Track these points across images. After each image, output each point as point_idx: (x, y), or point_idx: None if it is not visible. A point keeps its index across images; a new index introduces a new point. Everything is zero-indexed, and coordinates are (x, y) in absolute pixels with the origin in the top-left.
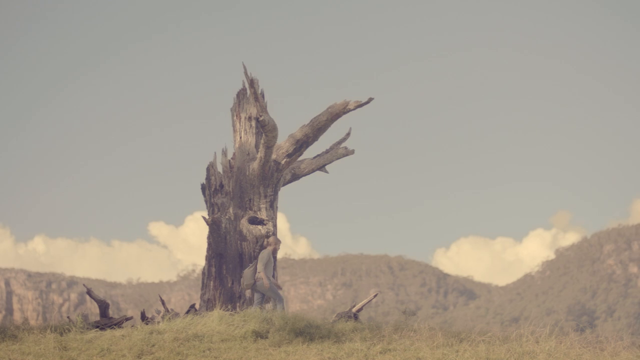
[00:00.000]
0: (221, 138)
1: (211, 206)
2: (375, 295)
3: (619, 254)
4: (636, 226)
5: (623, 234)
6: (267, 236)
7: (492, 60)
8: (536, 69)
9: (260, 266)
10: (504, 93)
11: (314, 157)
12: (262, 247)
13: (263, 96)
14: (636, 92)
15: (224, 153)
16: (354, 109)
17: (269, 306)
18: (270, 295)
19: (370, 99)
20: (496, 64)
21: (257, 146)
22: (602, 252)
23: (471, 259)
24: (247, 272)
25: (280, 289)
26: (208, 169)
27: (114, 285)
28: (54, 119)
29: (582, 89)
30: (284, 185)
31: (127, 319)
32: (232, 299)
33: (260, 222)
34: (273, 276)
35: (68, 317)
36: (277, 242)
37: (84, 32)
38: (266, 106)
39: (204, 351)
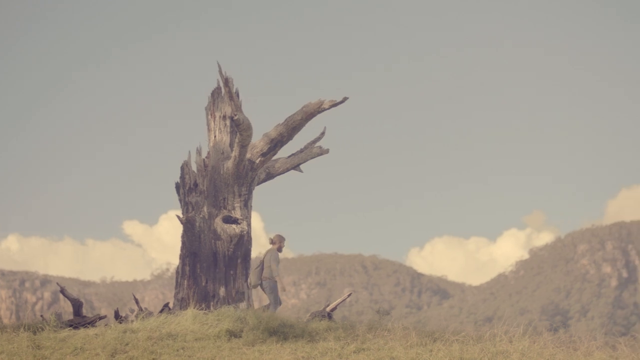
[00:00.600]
0: (196, 137)
1: (185, 205)
2: (349, 295)
3: (593, 254)
4: (610, 226)
5: (597, 234)
6: (242, 234)
7: (467, 59)
8: (509, 68)
9: (274, 268)
10: (478, 93)
11: (289, 156)
12: (237, 246)
13: (238, 95)
14: (613, 95)
15: (199, 152)
16: (328, 108)
17: (242, 305)
18: (270, 297)
19: (345, 99)
20: (470, 63)
21: (231, 145)
22: (575, 252)
23: (445, 259)
24: (254, 272)
25: (284, 290)
26: (182, 168)
27: (87, 284)
28: (28, 120)
29: (558, 92)
30: (258, 184)
31: (101, 318)
32: (206, 298)
33: (235, 221)
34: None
35: (41, 316)
36: (281, 240)
37: (56, 37)
38: (241, 105)
39: (177, 350)
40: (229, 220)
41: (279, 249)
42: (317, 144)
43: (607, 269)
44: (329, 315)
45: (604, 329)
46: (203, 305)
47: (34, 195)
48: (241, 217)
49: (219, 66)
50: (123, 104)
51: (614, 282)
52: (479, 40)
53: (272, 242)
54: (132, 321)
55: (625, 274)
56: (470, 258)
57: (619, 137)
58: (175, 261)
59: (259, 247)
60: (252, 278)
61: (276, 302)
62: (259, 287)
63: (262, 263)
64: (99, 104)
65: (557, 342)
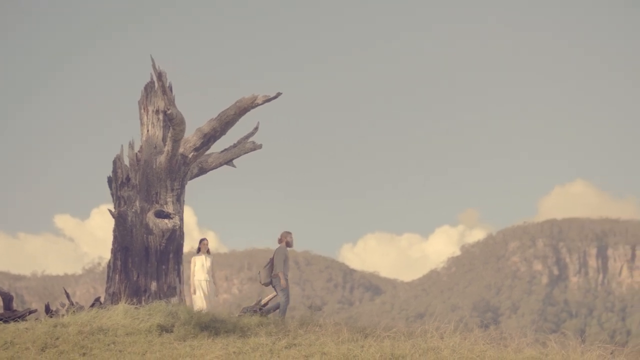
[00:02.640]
0: (128, 131)
1: (117, 199)
2: None
3: (524, 251)
4: (541, 224)
5: (528, 231)
6: (174, 229)
7: (399, 55)
8: (441, 65)
9: (279, 265)
10: (411, 92)
11: (222, 151)
12: (169, 241)
13: (171, 89)
14: (548, 95)
15: (131, 146)
16: (262, 104)
17: (174, 300)
18: (280, 294)
19: (279, 94)
20: (401, 57)
21: (164, 139)
22: (507, 249)
23: (377, 255)
24: (263, 270)
25: (284, 286)
26: (115, 162)
27: (18, 278)
28: None
29: (492, 90)
30: (191, 179)
31: (31, 312)
32: (138, 293)
33: (167, 215)
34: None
35: None
36: (286, 235)
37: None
38: (174, 99)
39: (108, 345)
40: (161, 214)
41: (288, 245)
42: (250, 139)
43: (537, 266)
44: (261, 311)
45: (534, 325)
46: (134, 300)
47: None
48: (173, 212)
49: (152, 60)
50: (55, 97)
51: (544, 279)
52: (390, 36)
53: (279, 240)
54: (63, 315)
55: (555, 272)
56: (403, 254)
57: (553, 135)
58: (107, 255)
59: (192, 241)
60: (262, 276)
61: (287, 300)
62: (270, 285)
63: (271, 260)
64: (30, 98)
65: (487, 339)
